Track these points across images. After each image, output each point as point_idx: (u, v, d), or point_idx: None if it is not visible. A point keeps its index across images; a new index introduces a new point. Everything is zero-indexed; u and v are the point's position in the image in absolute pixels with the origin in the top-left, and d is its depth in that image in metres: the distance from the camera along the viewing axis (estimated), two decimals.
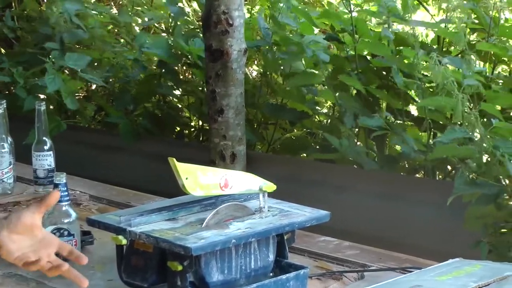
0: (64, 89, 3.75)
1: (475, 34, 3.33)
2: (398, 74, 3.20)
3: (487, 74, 3.22)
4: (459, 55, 3.30)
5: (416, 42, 3.29)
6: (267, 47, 3.69)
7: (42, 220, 2.41)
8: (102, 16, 4.44)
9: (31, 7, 4.43)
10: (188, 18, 4.35)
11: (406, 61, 3.23)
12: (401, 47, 3.36)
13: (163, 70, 4.03)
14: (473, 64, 2.99)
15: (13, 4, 4.66)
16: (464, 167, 2.61)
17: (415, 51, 2.90)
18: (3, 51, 4.64)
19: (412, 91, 3.33)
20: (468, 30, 3.29)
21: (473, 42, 3.24)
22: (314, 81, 3.62)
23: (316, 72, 3.58)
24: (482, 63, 3.25)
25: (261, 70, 4.05)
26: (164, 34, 4.48)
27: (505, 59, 3.30)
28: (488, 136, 2.55)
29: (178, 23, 4.17)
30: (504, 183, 2.40)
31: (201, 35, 3.86)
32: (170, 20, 4.16)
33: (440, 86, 2.70)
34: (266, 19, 3.91)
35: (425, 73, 3.21)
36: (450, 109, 2.77)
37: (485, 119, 2.72)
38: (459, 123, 2.64)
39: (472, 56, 3.04)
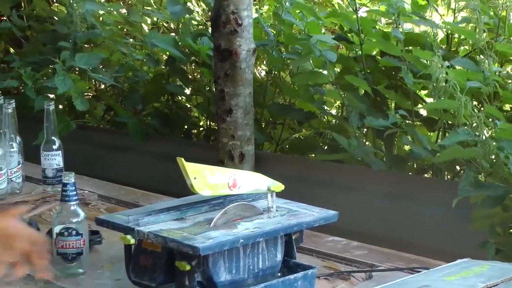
0: (74, 90, 3.76)
1: (485, 34, 3.32)
2: (408, 74, 3.20)
3: (500, 74, 3.21)
4: (468, 55, 3.30)
5: (435, 42, 3.29)
6: (271, 46, 3.68)
7: (51, 220, 2.42)
8: (113, 15, 4.44)
9: (41, 6, 4.44)
10: (194, 17, 4.35)
11: (420, 62, 3.21)
12: (410, 47, 3.36)
13: (171, 69, 4.03)
14: (492, 65, 2.99)
15: (22, 4, 4.66)
16: (470, 168, 2.61)
17: (434, 51, 2.89)
18: (12, 50, 4.64)
19: (422, 91, 3.32)
20: (478, 30, 3.29)
21: (485, 42, 3.24)
22: (321, 81, 3.62)
23: (324, 72, 3.58)
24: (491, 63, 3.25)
25: (265, 67, 4.05)
26: (173, 34, 4.48)
27: None
28: (493, 138, 2.55)
29: (185, 22, 4.18)
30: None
31: (209, 34, 3.87)
32: (180, 20, 4.16)
33: (440, 89, 2.70)
34: (271, 19, 3.91)
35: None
36: (454, 111, 2.77)
37: (491, 120, 2.71)
38: (467, 123, 2.64)
39: (487, 57, 3.03)
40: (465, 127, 2.63)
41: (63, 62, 3.78)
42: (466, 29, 3.32)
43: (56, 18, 4.19)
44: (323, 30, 3.79)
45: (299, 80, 3.62)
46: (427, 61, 2.97)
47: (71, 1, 4.18)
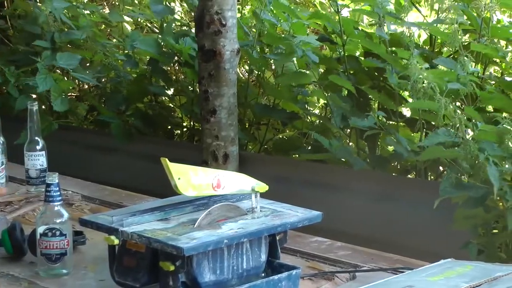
0: (55, 89, 3.75)
1: (467, 35, 3.34)
2: (392, 74, 3.21)
3: (480, 75, 3.23)
4: (451, 56, 3.31)
5: (411, 43, 3.30)
6: (251, 46, 3.69)
7: (35, 220, 2.42)
8: (93, 16, 4.45)
9: (22, 6, 4.43)
10: (177, 18, 4.35)
11: (401, 63, 3.23)
12: (393, 48, 3.37)
13: (154, 70, 4.04)
14: (468, 65, 3.01)
15: (5, 3, 4.66)
16: (451, 169, 2.63)
17: (410, 52, 2.91)
18: None
19: (405, 92, 3.34)
20: (453, 30, 3.31)
21: (465, 43, 3.26)
22: (305, 81, 3.63)
23: (307, 72, 3.59)
24: (474, 64, 3.26)
25: (248, 67, 4.06)
26: (157, 34, 4.49)
27: (497, 60, 3.31)
28: (474, 139, 2.57)
29: (168, 22, 4.18)
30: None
31: (191, 34, 3.87)
32: (163, 19, 4.16)
33: (418, 90, 2.71)
34: (253, 19, 3.92)
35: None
36: (435, 112, 2.78)
37: (474, 121, 2.73)
38: (447, 124, 2.65)
39: (466, 57, 3.05)
40: (446, 128, 2.64)
41: (44, 61, 3.79)
42: (448, 29, 3.33)
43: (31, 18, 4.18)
44: (308, 31, 3.80)
45: (283, 80, 3.63)
46: (408, 61, 3.00)
47: (36, 1, 4.19)
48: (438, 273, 2.05)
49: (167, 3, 4.14)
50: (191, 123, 4.11)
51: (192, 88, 3.97)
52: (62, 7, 4.13)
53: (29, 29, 4.24)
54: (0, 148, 3.01)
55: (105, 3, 4.87)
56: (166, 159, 2.12)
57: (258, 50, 3.71)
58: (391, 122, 3.32)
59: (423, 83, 2.69)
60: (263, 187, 2.27)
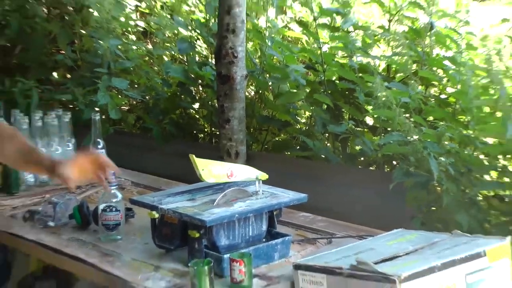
0: (111, 103, 3.76)
1: (415, 65, 3.35)
2: (360, 93, 3.22)
3: (424, 93, 3.24)
4: (403, 80, 3.33)
5: (375, 70, 3.33)
6: (257, 73, 3.71)
7: (97, 200, 2.44)
8: (140, 50, 4.46)
9: (88, 43, 4.45)
10: (200, 51, 4.36)
11: (367, 85, 3.24)
12: (361, 74, 3.39)
13: (182, 90, 4.05)
14: (415, 86, 3.02)
15: (75, 41, 4.68)
16: (402, 162, 2.64)
17: (375, 77, 2.92)
18: (68, 76, 4.66)
19: (369, 106, 3.34)
20: (409, 61, 3.32)
21: (413, 70, 3.27)
22: (296, 99, 3.64)
23: (297, 92, 3.61)
24: (419, 86, 3.28)
25: (253, 88, 4.07)
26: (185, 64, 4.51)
27: (435, 83, 3.32)
28: (420, 140, 2.58)
29: (192, 55, 4.19)
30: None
31: (210, 63, 3.89)
32: (189, 54, 4.17)
33: (380, 102, 2.73)
34: (258, 52, 3.92)
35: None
36: (391, 120, 2.79)
37: (420, 126, 2.74)
38: (399, 129, 2.66)
39: (414, 81, 3.07)
40: (398, 131, 2.65)
41: (103, 83, 3.82)
42: (400, 61, 3.34)
43: (99, 52, 4.21)
44: (297, 62, 3.81)
45: (282, 100, 3.63)
46: (372, 83, 3.01)
47: (98, 39, 4.21)
48: (392, 239, 2.07)
49: (190, 41, 4.14)
50: (211, 129, 4.10)
51: (211, 103, 3.97)
52: (116, 44, 4.14)
53: (92, 60, 4.25)
54: (71, 146, 3.04)
55: (148, 41, 4.87)
56: (193, 155, 2.15)
57: (261, 75, 3.72)
58: (358, 129, 3.32)
59: (383, 97, 2.71)
60: (264, 176, 2.30)
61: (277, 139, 3.91)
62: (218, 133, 3.50)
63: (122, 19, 4.54)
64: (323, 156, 3.28)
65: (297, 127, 3.76)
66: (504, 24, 3.34)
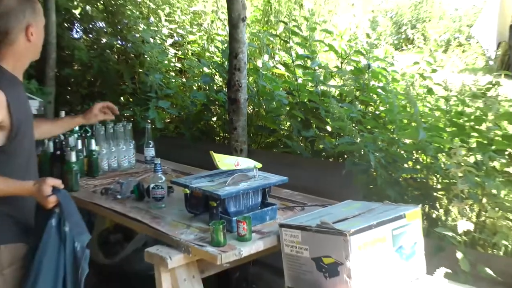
0: (158, 117, 3.77)
1: (358, 92, 3.34)
2: (322, 110, 3.22)
3: (364, 111, 3.24)
4: (351, 101, 3.32)
5: (332, 95, 3.32)
6: (253, 96, 3.70)
7: (149, 181, 2.41)
8: (177, 82, 4.45)
9: (143, 78, 4.43)
10: (217, 83, 4.35)
11: (326, 105, 3.24)
12: (323, 98, 3.38)
13: (205, 108, 4.04)
14: (357, 105, 3.01)
15: (135, 77, 4.67)
16: (351, 156, 2.63)
17: (331, 100, 2.91)
18: (130, 99, 4.65)
19: (328, 119, 3.34)
20: (354, 89, 3.32)
21: (356, 95, 3.27)
22: (280, 114, 3.62)
23: (281, 109, 3.60)
24: (361, 106, 3.27)
25: (252, 107, 4.07)
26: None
27: (371, 103, 3.32)
28: (362, 141, 2.57)
29: (212, 84, 4.19)
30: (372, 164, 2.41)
31: (224, 90, 3.88)
32: (211, 84, 4.17)
33: (336, 116, 2.71)
34: (254, 83, 3.92)
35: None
36: (343, 128, 2.79)
37: (363, 133, 2.73)
38: (349, 135, 2.65)
39: (357, 103, 3.06)
40: (348, 136, 2.64)
41: (152, 104, 3.82)
42: (348, 89, 3.34)
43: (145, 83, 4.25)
44: (281, 89, 3.80)
45: (270, 115, 3.62)
46: (330, 104, 3.01)
47: (149, 75, 4.19)
48: (344, 207, 2.07)
49: (211, 76, 4.15)
50: (224, 134, 4.10)
51: (224, 117, 3.96)
52: (160, 77, 4.15)
53: (145, 88, 4.25)
54: (132, 146, 3.02)
55: (182, 76, 4.85)
56: (212, 152, 2.14)
57: (256, 98, 3.71)
58: (321, 134, 3.32)
59: (337, 113, 2.70)
60: (259, 165, 2.28)
61: (267, 140, 3.90)
62: (228, 136, 3.49)
63: (166, 62, 4.53)
64: (298, 152, 3.27)
65: (281, 132, 3.75)
66: (415, 65, 3.37)
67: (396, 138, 2.59)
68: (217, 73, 4.28)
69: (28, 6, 1.74)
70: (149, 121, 3.60)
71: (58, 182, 1.69)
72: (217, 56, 4.63)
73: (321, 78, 3.52)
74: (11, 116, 1.66)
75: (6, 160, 1.68)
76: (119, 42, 4.92)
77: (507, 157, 2.26)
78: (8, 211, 1.70)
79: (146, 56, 4.49)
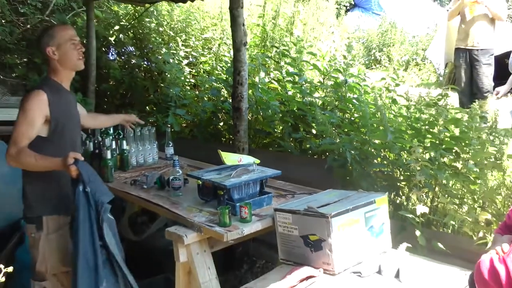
0: (175, 122, 3.75)
1: (337, 102, 3.33)
2: (309, 117, 3.20)
3: (342, 117, 3.22)
4: (330, 110, 3.30)
5: (316, 104, 3.31)
6: (252, 106, 3.67)
7: (169, 173, 2.38)
8: (192, 94, 4.43)
9: (164, 91, 4.40)
10: (223, 94, 4.32)
11: (312, 113, 3.21)
12: (309, 106, 3.37)
13: (214, 115, 4.01)
14: (337, 113, 2.99)
15: (158, 89, 4.65)
16: (332, 153, 2.62)
17: (316, 108, 2.89)
18: (154, 108, 4.61)
19: (314, 124, 3.32)
20: (334, 99, 3.29)
21: (337, 105, 3.25)
22: (274, 120, 3.60)
23: (275, 116, 3.58)
24: (340, 113, 3.25)
25: (251, 114, 4.04)
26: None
27: (348, 111, 3.30)
28: (340, 142, 2.55)
29: (220, 96, 4.16)
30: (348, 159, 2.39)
31: (229, 100, 3.85)
32: (217, 96, 4.15)
33: (321, 121, 2.69)
34: (253, 95, 3.89)
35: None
36: (324, 131, 2.77)
37: (341, 135, 2.71)
38: (330, 136, 2.63)
39: (336, 111, 3.03)
40: (329, 137, 2.63)
41: (172, 112, 3.80)
42: (330, 99, 3.32)
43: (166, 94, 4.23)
44: (275, 99, 3.78)
45: (266, 121, 3.60)
46: (315, 112, 2.98)
47: (169, 89, 4.15)
48: (326, 194, 2.05)
49: (219, 90, 4.13)
50: (230, 136, 4.07)
51: (229, 122, 3.93)
52: (178, 90, 4.13)
53: (166, 99, 4.22)
54: (156, 146, 2.99)
55: (196, 89, 4.82)
56: (220, 150, 2.11)
57: (255, 107, 3.68)
58: (308, 136, 3.30)
59: (321, 119, 2.69)
60: (257, 161, 2.26)
61: (264, 141, 3.88)
62: (233, 138, 3.47)
63: (182, 78, 4.50)
64: (289, 150, 3.24)
65: (275, 135, 3.73)
66: (382, 81, 3.36)
67: (368, 139, 2.58)
68: (223, 87, 4.26)
69: (45, 35, 1.90)
70: (169, 125, 3.56)
71: (78, 155, 1.75)
72: (223, 74, 4.61)
73: (308, 91, 3.51)
74: (51, 112, 1.80)
75: (52, 148, 1.83)
76: (145, 62, 4.93)
77: (454, 154, 2.28)
78: (47, 186, 1.85)
79: (167, 73, 4.48)
